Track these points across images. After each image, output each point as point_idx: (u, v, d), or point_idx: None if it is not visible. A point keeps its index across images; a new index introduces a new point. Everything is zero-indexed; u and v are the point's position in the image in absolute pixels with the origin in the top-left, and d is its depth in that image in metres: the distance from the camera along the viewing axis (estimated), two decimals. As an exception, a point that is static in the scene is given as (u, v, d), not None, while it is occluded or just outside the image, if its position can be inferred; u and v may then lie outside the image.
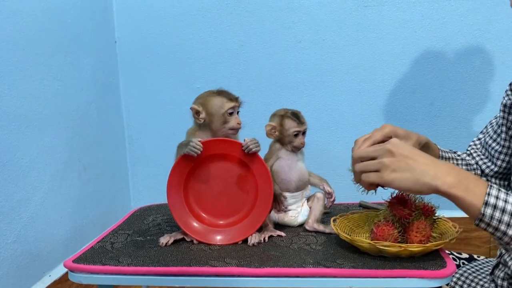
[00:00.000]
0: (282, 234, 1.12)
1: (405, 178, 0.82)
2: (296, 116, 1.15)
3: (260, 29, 2.00)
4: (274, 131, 1.16)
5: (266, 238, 1.09)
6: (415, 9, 1.91)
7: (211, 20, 2.01)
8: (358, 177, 0.91)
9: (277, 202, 1.16)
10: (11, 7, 1.43)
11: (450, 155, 1.20)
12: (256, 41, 2.00)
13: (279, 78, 2.01)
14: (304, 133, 1.17)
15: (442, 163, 0.84)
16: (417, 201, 1.03)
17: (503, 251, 1.04)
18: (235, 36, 2.01)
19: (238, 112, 1.11)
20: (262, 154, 1.13)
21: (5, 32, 1.41)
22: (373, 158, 0.87)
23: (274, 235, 1.12)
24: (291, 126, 1.14)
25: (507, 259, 1.02)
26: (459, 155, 1.22)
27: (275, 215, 1.18)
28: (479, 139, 1.25)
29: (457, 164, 1.19)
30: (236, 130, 1.10)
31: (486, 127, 1.25)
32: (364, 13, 1.93)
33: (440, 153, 1.18)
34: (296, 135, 1.15)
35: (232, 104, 1.09)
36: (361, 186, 0.94)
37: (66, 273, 1.04)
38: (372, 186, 0.90)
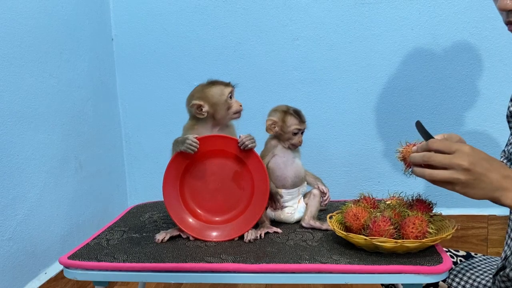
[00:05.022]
0: (279, 230, 1.12)
1: (476, 193, 0.85)
2: (298, 114, 1.16)
3: (257, 27, 1.99)
4: (274, 126, 1.16)
5: (263, 235, 1.09)
6: (412, 7, 1.91)
7: (208, 17, 2.01)
8: (419, 172, 0.90)
9: (273, 201, 1.16)
10: (6, 4, 1.42)
11: None
12: (253, 38, 2.00)
13: (276, 76, 2.01)
14: (303, 132, 1.17)
15: (509, 175, 0.85)
16: (414, 197, 1.04)
17: (508, 253, 1.03)
18: (232, 34, 2.01)
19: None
20: (258, 151, 1.12)
21: (0, 28, 1.40)
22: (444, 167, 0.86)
23: (271, 232, 1.11)
24: (292, 123, 1.15)
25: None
26: None
27: (271, 212, 1.18)
28: (504, 152, 1.23)
29: None
30: (239, 113, 1.11)
31: (508, 138, 1.23)
32: (361, 11, 1.93)
33: None
34: (295, 133, 1.15)
35: (230, 88, 1.11)
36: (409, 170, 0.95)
37: (62, 271, 1.03)
38: None
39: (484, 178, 0.84)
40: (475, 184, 0.84)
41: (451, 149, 0.85)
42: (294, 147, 1.18)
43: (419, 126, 1.00)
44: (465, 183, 0.84)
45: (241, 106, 1.11)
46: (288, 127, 1.15)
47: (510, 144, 1.15)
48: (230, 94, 1.10)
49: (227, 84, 1.11)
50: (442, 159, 0.85)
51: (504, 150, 1.20)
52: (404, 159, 0.95)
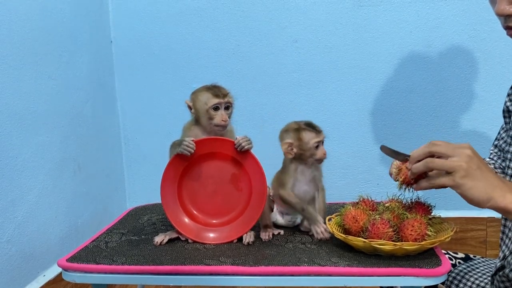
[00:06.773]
0: (281, 232, 1.12)
1: (475, 186, 0.82)
2: (312, 126, 1.08)
3: (256, 29, 1.99)
4: (292, 148, 1.07)
5: (271, 235, 1.09)
6: (411, 9, 1.91)
7: (207, 20, 2.01)
8: (415, 174, 0.88)
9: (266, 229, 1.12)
10: (6, 6, 1.42)
11: None
12: (252, 40, 2.00)
13: (275, 78, 2.01)
14: (323, 142, 1.09)
15: (503, 179, 0.85)
16: (413, 199, 1.04)
17: (507, 253, 1.03)
18: (231, 36, 2.01)
19: (228, 108, 1.09)
20: (257, 153, 1.12)
21: (0, 30, 1.40)
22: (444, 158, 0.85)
23: (275, 234, 1.12)
24: (310, 138, 1.06)
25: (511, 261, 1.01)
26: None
27: (273, 216, 1.17)
28: (495, 146, 1.23)
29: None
30: (221, 127, 1.08)
31: (499, 132, 1.22)
32: (360, 13, 1.93)
33: None
34: (317, 147, 1.07)
35: (216, 100, 1.06)
36: (403, 184, 0.94)
37: (61, 273, 1.03)
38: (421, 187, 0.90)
39: (484, 171, 0.83)
40: (475, 174, 0.82)
41: (451, 145, 0.86)
42: (319, 162, 1.09)
43: (386, 149, 0.97)
44: (467, 171, 0.82)
45: (224, 121, 1.06)
46: (306, 144, 1.06)
47: (502, 138, 1.16)
48: (215, 106, 1.06)
49: (219, 95, 1.07)
50: (446, 146, 0.85)
51: (495, 144, 1.20)
52: (399, 171, 0.95)
